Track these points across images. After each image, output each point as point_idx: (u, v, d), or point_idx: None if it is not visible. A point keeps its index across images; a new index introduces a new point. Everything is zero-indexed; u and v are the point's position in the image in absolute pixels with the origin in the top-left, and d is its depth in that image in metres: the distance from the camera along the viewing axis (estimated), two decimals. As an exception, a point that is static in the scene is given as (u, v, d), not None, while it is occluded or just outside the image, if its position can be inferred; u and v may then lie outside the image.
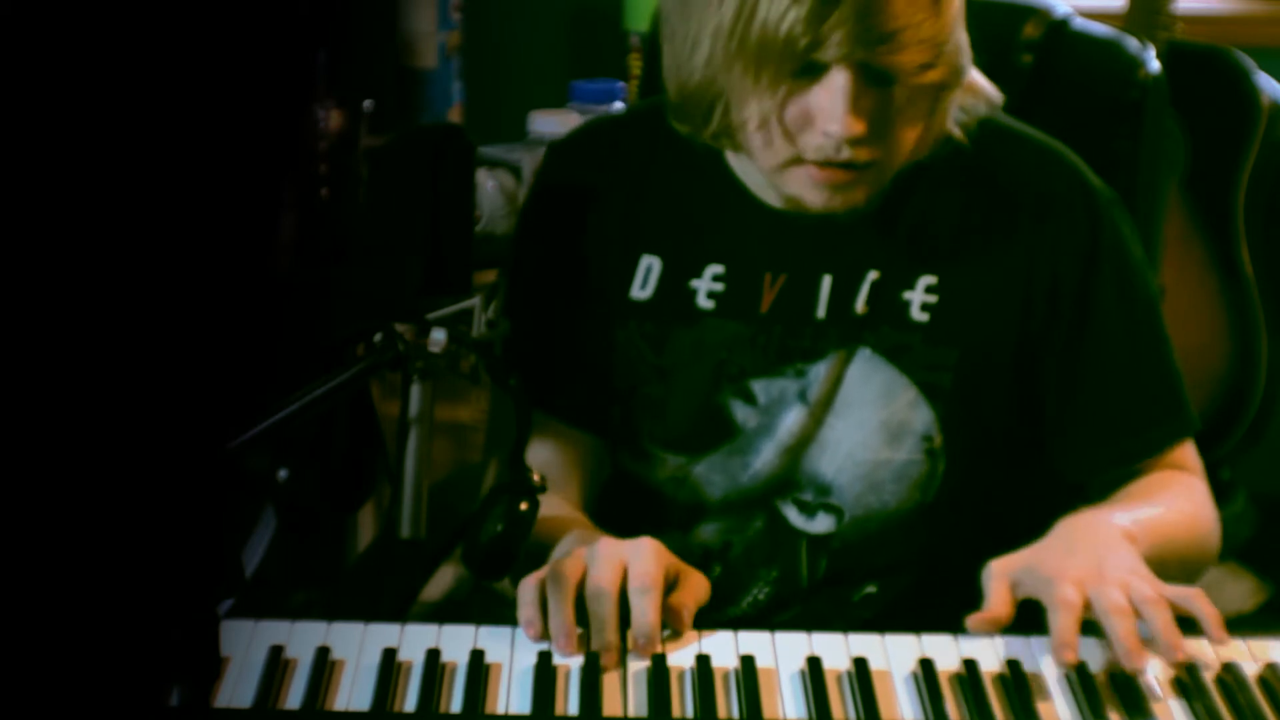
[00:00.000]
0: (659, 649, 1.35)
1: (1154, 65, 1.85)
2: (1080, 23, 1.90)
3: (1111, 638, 1.33)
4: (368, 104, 2.27)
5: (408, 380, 1.52)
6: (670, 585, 1.40)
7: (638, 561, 1.38)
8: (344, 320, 1.61)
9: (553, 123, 2.54)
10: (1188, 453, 1.65)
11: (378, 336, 1.48)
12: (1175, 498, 1.60)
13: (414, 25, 2.73)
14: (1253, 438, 2.14)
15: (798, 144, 1.48)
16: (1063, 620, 1.33)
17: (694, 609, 1.40)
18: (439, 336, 1.49)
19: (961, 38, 1.49)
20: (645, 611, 1.36)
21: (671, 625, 1.39)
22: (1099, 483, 1.63)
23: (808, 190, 1.51)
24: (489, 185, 2.39)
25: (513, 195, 2.41)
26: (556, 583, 1.38)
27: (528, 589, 1.39)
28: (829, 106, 1.45)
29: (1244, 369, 2.13)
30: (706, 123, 1.52)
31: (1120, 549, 1.41)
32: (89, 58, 0.60)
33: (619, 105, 2.65)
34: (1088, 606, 1.35)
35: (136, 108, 0.61)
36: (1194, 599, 1.36)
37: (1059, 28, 1.88)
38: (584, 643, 1.36)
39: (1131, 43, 1.86)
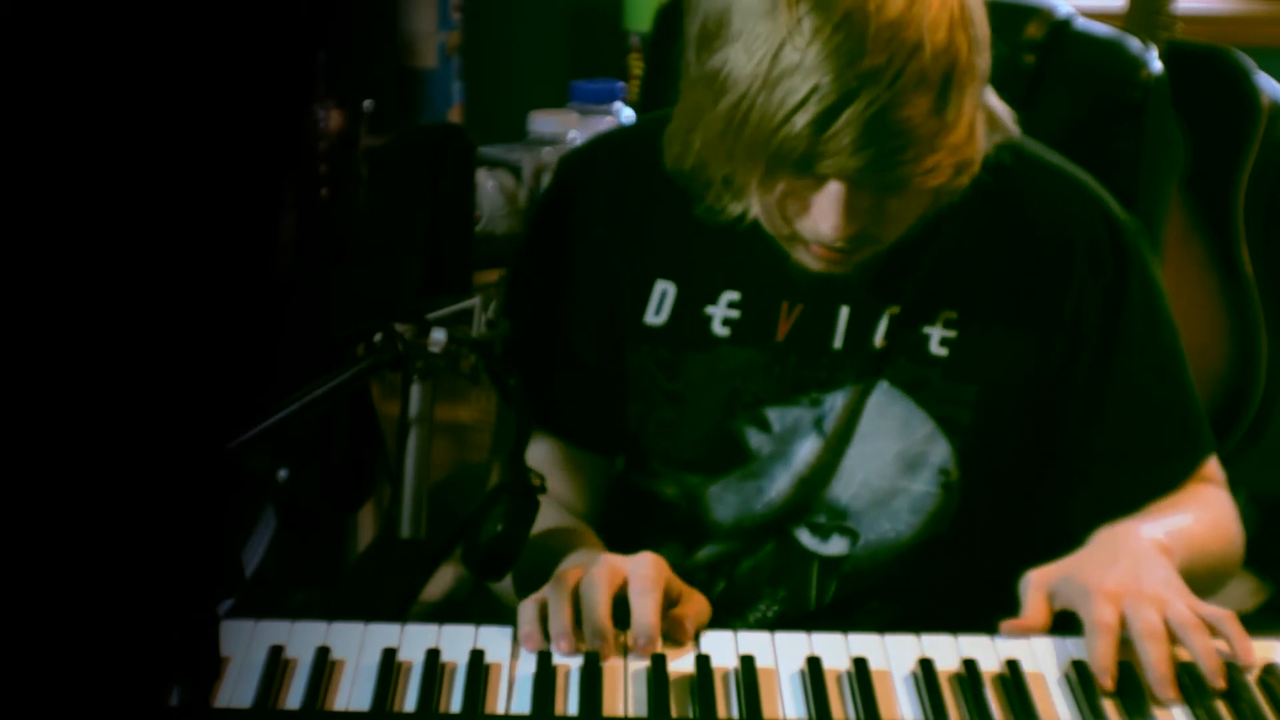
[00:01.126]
0: (659, 649, 1.35)
1: (1156, 66, 1.84)
2: (1082, 23, 1.90)
3: (1144, 663, 1.32)
4: (368, 104, 2.27)
5: (408, 380, 1.52)
6: (673, 602, 1.40)
7: (638, 567, 1.38)
8: (344, 320, 1.61)
9: (553, 123, 2.53)
10: (1211, 463, 1.64)
11: (378, 336, 1.48)
12: (1203, 509, 1.60)
13: (414, 25, 2.73)
14: (1253, 438, 2.14)
15: (794, 227, 1.45)
16: (1101, 645, 1.33)
17: (695, 625, 1.40)
18: (439, 336, 1.48)
19: (979, 123, 1.44)
20: (645, 611, 1.35)
21: (673, 636, 1.38)
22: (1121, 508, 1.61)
23: (805, 258, 1.49)
24: (489, 185, 2.39)
25: (513, 195, 2.41)
26: (556, 586, 1.38)
27: (528, 607, 1.39)
28: (824, 208, 1.41)
29: (1244, 369, 2.13)
30: (704, 196, 1.49)
31: (1156, 562, 1.41)
32: (89, 58, 0.60)
33: (619, 105, 2.65)
34: (1124, 624, 1.34)
35: (136, 108, 0.61)
36: (1226, 621, 1.35)
37: (1061, 28, 1.88)
38: (583, 641, 1.36)
39: (1134, 43, 1.86)
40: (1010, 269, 1.59)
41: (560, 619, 1.36)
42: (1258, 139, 2.09)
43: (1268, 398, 2.13)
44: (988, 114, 1.49)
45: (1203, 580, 1.49)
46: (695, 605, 1.41)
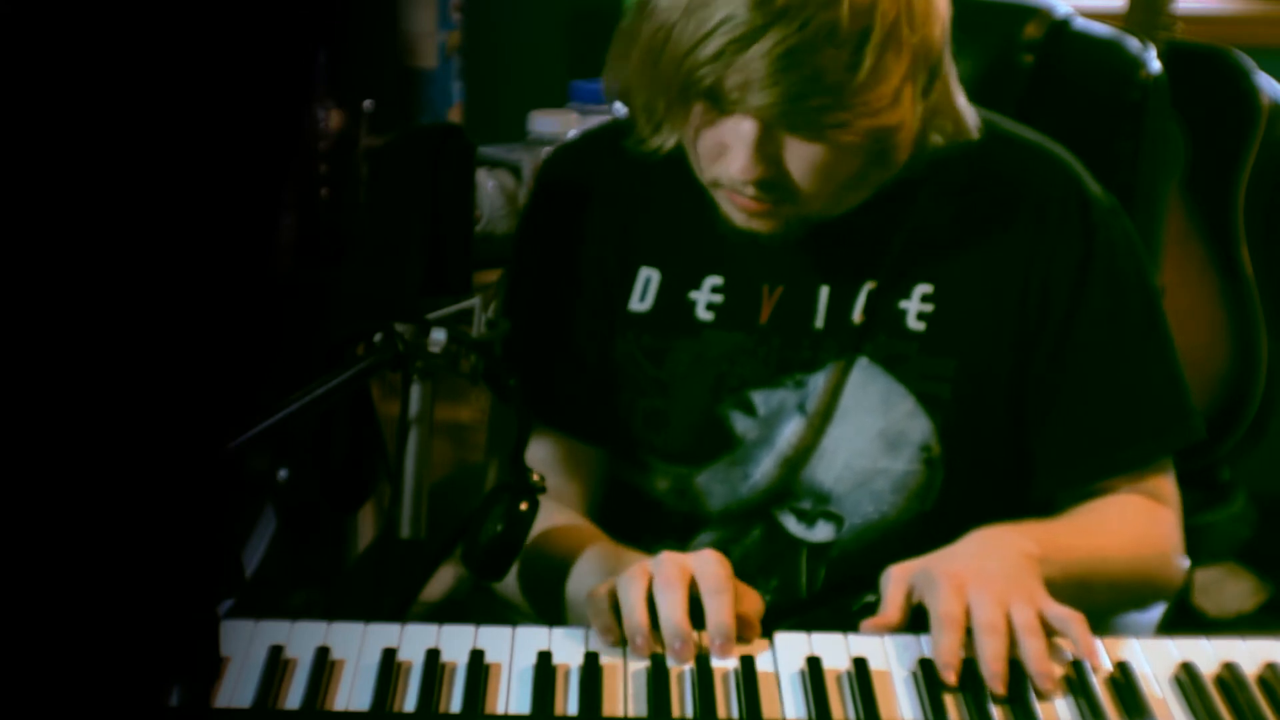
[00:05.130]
0: (735, 650, 1.35)
1: (1155, 66, 1.85)
2: (1081, 23, 1.90)
3: (979, 656, 1.32)
4: (368, 104, 2.27)
5: (408, 380, 1.52)
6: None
7: (705, 565, 1.38)
8: (344, 320, 1.61)
9: (553, 123, 2.54)
10: (1165, 484, 1.63)
11: (378, 336, 1.48)
12: (1123, 524, 1.58)
13: (414, 25, 2.73)
14: (1253, 438, 2.14)
15: (713, 171, 1.49)
16: (946, 640, 1.33)
17: (758, 621, 1.40)
18: (439, 336, 1.49)
19: (908, 98, 1.44)
20: (720, 610, 1.35)
21: (744, 635, 1.38)
22: (1063, 499, 1.61)
23: (730, 210, 1.52)
24: (489, 185, 2.39)
25: (513, 195, 2.41)
26: (628, 585, 1.37)
27: (600, 599, 1.38)
28: (734, 146, 1.45)
29: (1244, 369, 2.13)
30: (635, 126, 1.54)
31: (1013, 563, 1.41)
32: (88, 57, 0.60)
33: (618, 105, 2.65)
34: (969, 615, 1.35)
35: (136, 107, 0.61)
36: (1071, 623, 1.35)
37: (1060, 28, 1.88)
38: (657, 642, 1.36)
39: (1133, 43, 1.86)
40: (984, 242, 1.59)
41: (636, 616, 1.35)
42: (1258, 139, 2.09)
43: (1268, 398, 2.13)
44: (945, 105, 1.50)
45: (1104, 596, 1.51)
46: (754, 602, 1.42)
